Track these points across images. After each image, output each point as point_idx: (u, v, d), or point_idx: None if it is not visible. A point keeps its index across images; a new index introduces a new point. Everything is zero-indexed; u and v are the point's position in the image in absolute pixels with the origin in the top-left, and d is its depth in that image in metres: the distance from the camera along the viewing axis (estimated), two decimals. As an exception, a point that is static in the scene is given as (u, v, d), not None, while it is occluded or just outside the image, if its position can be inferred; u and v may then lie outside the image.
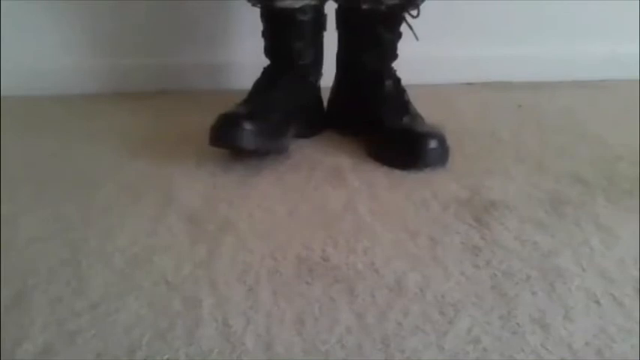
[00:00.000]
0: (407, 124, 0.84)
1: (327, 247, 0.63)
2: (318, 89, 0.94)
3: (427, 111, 0.89)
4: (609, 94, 1.17)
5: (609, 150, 0.88)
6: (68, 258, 0.61)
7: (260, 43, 0.89)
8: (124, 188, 0.76)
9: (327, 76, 0.94)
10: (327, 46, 0.92)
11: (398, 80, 0.90)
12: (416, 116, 0.87)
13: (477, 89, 1.19)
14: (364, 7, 0.84)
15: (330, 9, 0.89)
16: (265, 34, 0.89)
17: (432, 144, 0.80)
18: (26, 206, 0.72)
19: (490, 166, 0.83)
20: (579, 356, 0.48)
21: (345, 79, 0.93)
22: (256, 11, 0.88)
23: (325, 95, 0.96)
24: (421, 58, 1.03)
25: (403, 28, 0.87)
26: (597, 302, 0.54)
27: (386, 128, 0.84)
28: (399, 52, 0.90)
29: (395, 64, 0.91)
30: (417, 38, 0.86)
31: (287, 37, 0.87)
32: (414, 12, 0.84)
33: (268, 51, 0.90)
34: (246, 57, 1.09)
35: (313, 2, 0.85)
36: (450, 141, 0.81)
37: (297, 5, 0.83)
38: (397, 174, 0.80)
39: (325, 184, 0.77)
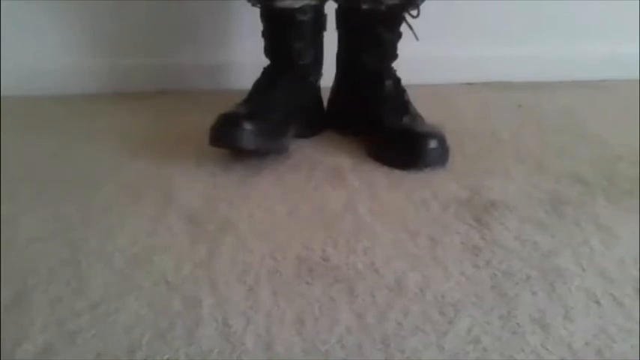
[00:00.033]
0: (407, 124, 0.84)
1: (327, 247, 0.63)
2: (318, 89, 0.94)
3: (427, 111, 0.89)
4: (609, 94, 1.17)
5: (609, 150, 0.88)
6: (68, 258, 0.61)
7: (260, 43, 0.89)
8: (124, 188, 0.76)
9: (327, 76, 0.94)
10: (327, 46, 0.92)
11: (398, 80, 0.90)
12: (416, 116, 0.87)
13: (477, 89, 1.19)
14: (364, 7, 0.84)
15: (330, 9, 0.89)
16: (265, 34, 0.89)
17: (432, 144, 0.80)
18: (26, 206, 0.72)
19: (490, 166, 0.83)
20: (579, 356, 0.48)
21: (345, 79, 0.93)
22: (256, 11, 0.88)
23: (325, 95, 0.96)
24: (421, 58, 1.03)
25: (403, 28, 0.87)
26: (597, 302, 0.54)
27: (386, 128, 0.84)
28: (399, 52, 0.90)
29: (395, 64, 0.91)
30: (417, 38, 0.86)
31: (287, 37, 0.87)
32: (414, 12, 0.84)
33: (268, 51, 0.90)
34: (246, 57, 1.09)
35: (313, 2, 0.85)
36: (450, 141, 0.81)
37: (297, 5, 0.83)
38: (397, 174, 0.80)
39: (325, 184, 0.77)
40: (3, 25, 1.12)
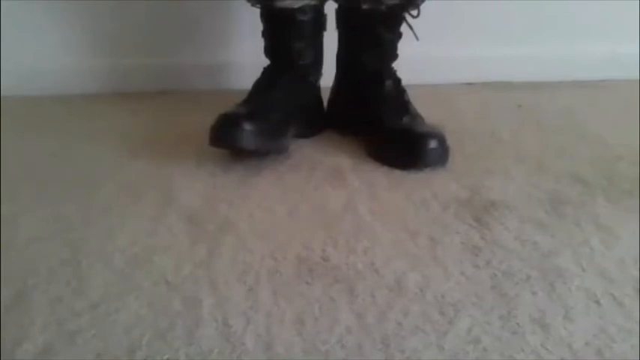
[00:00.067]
0: (407, 124, 0.84)
1: (327, 247, 0.63)
2: (318, 89, 0.94)
3: (427, 111, 0.89)
4: (609, 94, 1.17)
5: (609, 150, 0.88)
6: (68, 258, 0.61)
7: (260, 43, 0.89)
8: (124, 188, 0.76)
9: (327, 76, 0.94)
10: (327, 46, 0.92)
11: (398, 80, 0.90)
12: (416, 116, 0.87)
13: (477, 89, 1.19)
14: (364, 7, 0.84)
15: (330, 9, 0.89)
16: (265, 34, 0.89)
17: (432, 144, 0.80)
18: (26, 206, 0.72)
19: (490, 166, 0.83)
20: (579, 356, 0.48)
21: (345, 79, 0.93)
22: (256, 11, 0.88)
23: (325, 95, 0.96)
24: (421, 58, 1.03)
25: (403, 28, 0.87)
26: (597, 302, 0.54)
27: (386, 128, 0.84)
28: (399, 52, 0.90)
29: (395, 64, 0.91)
30: (417, 38, 0.86)
31: (287, 37, 0.87)
32: (414, 12, 0.84)
33: (268, 51, 0.90)
34: (246, 57, 1.09)
35: (313, 2, 0.85)
36: (450, 141, 0.81)
37: (297, 5, 0.83)
38: (397, 174, 0.80)
39: (325, 184, 0.77)
40: (3, 25, 1.12)
